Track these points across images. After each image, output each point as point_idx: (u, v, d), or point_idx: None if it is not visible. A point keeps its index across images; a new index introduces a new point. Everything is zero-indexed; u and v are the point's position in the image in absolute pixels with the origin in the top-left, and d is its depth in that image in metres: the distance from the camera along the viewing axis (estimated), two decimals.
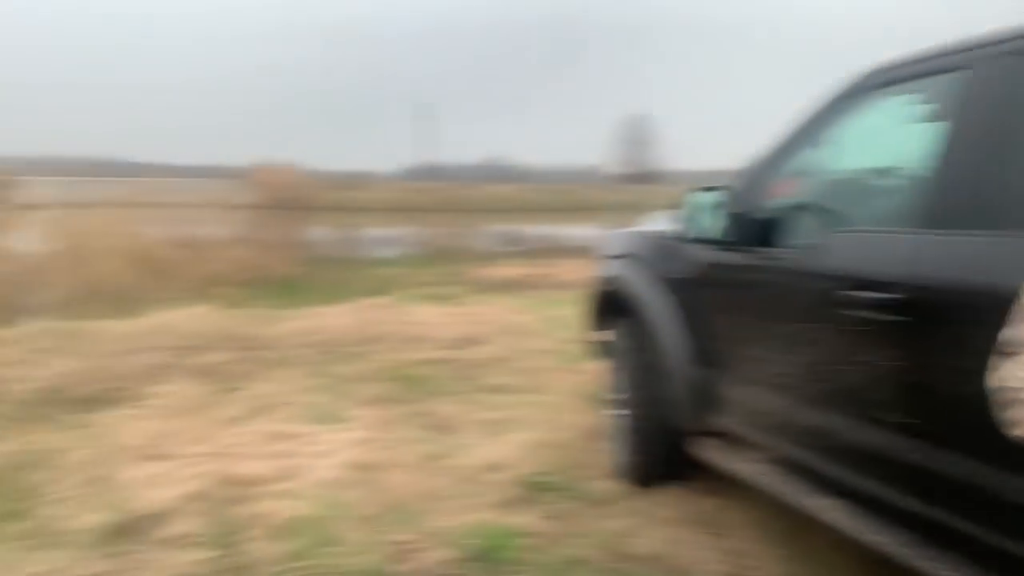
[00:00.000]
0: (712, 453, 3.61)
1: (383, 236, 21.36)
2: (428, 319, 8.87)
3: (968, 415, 2.13)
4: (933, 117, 2.65)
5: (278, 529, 3.69)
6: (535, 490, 4.12)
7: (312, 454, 4.62)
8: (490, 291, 11.83)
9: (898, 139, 2.89)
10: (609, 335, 4.44)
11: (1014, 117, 2.36)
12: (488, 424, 5.19)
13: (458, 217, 23.50)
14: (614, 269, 4.32)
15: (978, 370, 1.89)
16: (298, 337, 7.82)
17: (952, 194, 2.45)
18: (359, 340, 7.74)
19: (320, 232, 20.02)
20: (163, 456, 4.61)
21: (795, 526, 3.34)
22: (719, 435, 3.64)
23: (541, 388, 6.00)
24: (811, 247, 2.95)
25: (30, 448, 4.76)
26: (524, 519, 3.79)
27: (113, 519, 3.81)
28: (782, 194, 3.37)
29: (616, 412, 4.30)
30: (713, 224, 3.35)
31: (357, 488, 4.15)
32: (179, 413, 5.42)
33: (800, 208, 3.18)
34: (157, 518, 3.83)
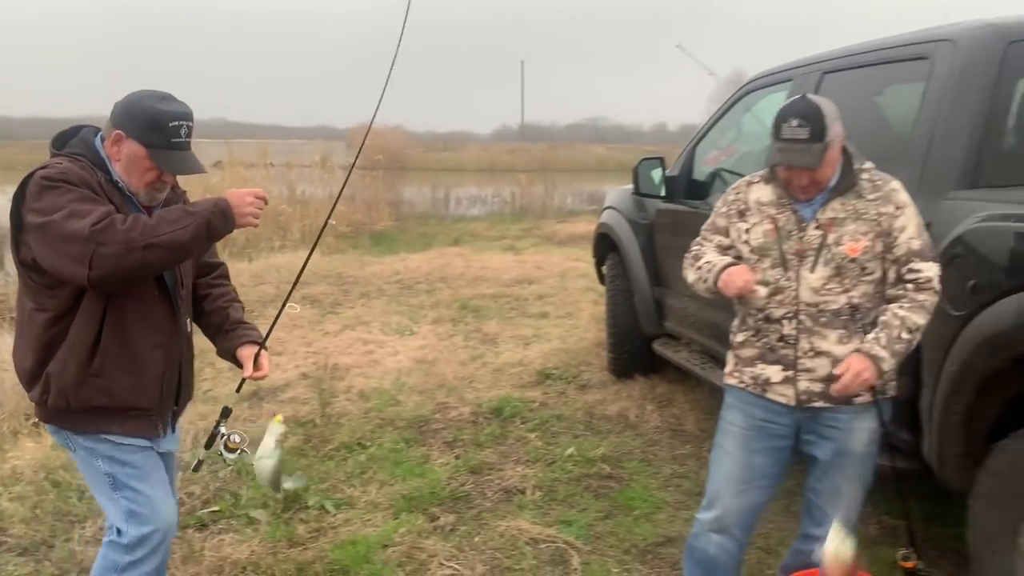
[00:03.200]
0: (662, 349, 5.05)
1: (472, 194, 23.10)
2: (494, 264, 10.46)
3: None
4: None
5: (359, 395, 5.36)
6: (543, 377, 5.66)
7: (387, 353, 6.29)
8: (558, 243, 13.29)
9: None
10: (605, 267, 5.88)
11: None
12: (521, 338, 6.74)
13: (545, 177, 24.92)
14: (605, 216, 5.74)
15: None
16: (383, 276, 9.56)
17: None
18: (433, 279, 9.42)
19: (414, 190, 21.88)
20: (284, 352, 6.36)
21: (717, 401, 4.75)
22: (669, 336, 5.08)
23: (571, 314, 7.51)
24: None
25: None
26: (531, 394, 5.34)
27: (250, 388, 5.54)
28: (710, 163, 4.74)
29: (608, 324, 5.75)
30: (658, 184, 4.76)
31: (416, 374, 5.79)
32: (294, 326, 7.19)
33: (715, 174, 4.55)
34: (280, 388, 5.55)
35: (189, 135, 2.18)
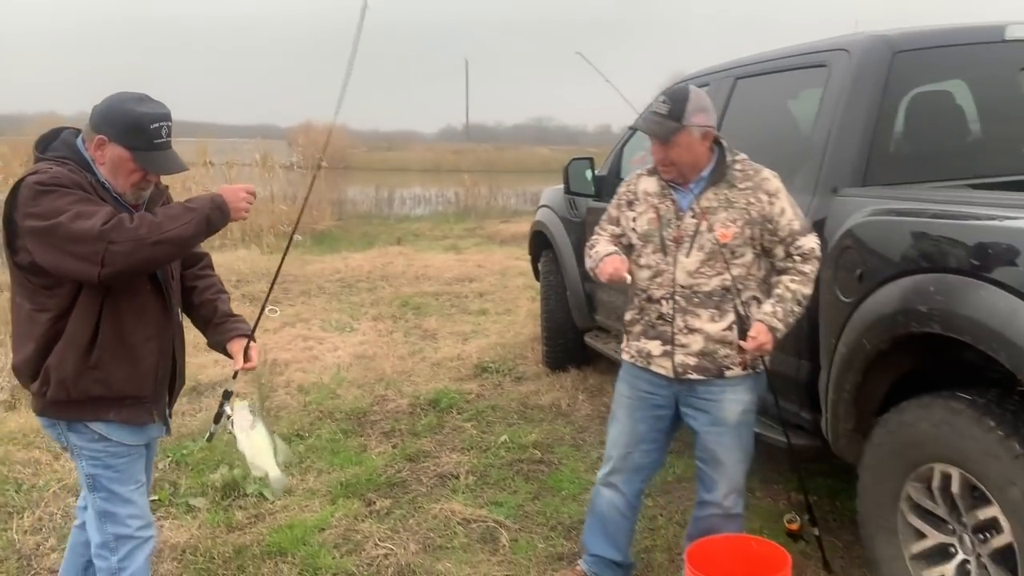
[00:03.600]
0: (593, 341, 5.26)
1: (416, 194, 23.16)
2: (436, 263, 10.58)
3: None
4: None
5: (299, 389, 5.46)
6: (480, 371, 5.83)
7: (326, 349, 6.39)
8: (500, 243, 13.46)
9: None
10: (540, 264, 6.06)
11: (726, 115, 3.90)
12: (460, 333, 6.90)
13: (490, 178, 25.11)
14: (540, 215, 5.93)
15: None
16: (324, 275, 9.62)
17: None
18: (374, 278, 9.52)
19: (358, 190, 21.86)
20: None
21: None
22: (600, 329, 5.29)
23: (509, 311, 7.70)
24: None
25: None
26: (468, 386, 5.50)
27: (190, 384, 5.60)
28: (636, 164, 4.96)
29: (542, 319, 5.94)
30: (587, 183, 4.97)
31: (356, 369, 5.91)
32: None
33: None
34: (220, 383, 5.61)
35: (169, 134, 2.27)
